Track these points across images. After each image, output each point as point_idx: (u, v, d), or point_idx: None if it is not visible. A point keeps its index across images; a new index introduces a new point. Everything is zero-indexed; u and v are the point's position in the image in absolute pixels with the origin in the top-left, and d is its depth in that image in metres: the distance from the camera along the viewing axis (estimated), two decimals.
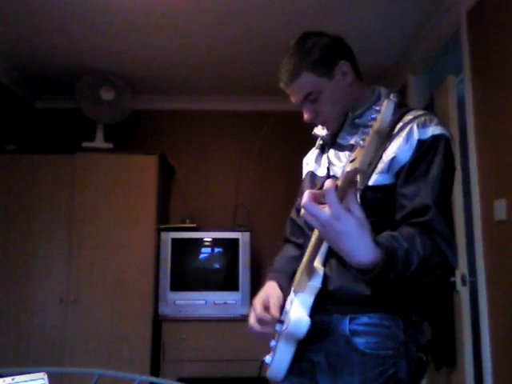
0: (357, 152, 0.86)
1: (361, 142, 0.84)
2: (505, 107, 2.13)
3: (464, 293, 2.45)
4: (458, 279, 2.46)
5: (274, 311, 1.19)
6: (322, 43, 1.23)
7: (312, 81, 1.21)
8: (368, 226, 0.91)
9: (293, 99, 1.27)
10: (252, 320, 1.22)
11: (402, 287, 1.05)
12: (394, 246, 0.95)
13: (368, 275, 0.93)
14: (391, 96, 0.81)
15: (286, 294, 1.25)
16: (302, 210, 0.91)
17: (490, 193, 2.24)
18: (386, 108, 0.81)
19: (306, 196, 0.90)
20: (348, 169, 0.87)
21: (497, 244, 2.20)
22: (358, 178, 0.89)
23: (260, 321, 1.20)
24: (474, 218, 2.37)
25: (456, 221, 2.48)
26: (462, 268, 2.47)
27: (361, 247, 0.90)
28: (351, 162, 0.87)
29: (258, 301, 1.24)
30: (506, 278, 2.12)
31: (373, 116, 0.83)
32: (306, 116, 1.26)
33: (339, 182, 0.89)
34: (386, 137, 1.13)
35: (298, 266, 1.22)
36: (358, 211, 0.89)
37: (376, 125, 0.82)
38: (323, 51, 1.22)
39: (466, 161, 2.45)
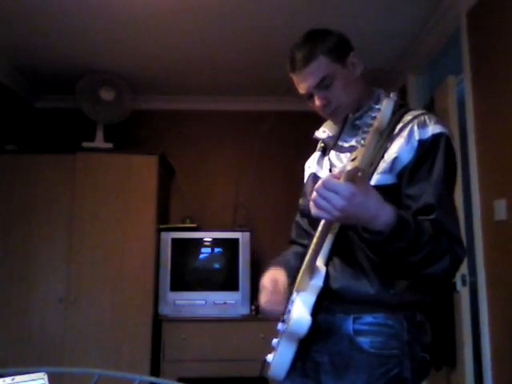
0: (358, 151, 0.89)
1: (362, 141, 0.87)
2: (505, 107, 2.13)
3: (464, 293, 2.45)
4: (458, 279, 2.46)
5: (283, 290, 1.20)
6: (336, 34, 1.27)
7: (328, 65, 1.21)
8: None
9: (304, 86, 1.24)
10: (263, 299, 1.22)
11: (411, 273, 1.07)
12: (406, 217, 1.01)
13: (389, 235, 0.97)
14: (391, 95, 0.84)
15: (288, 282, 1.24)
16: (314, 194, 0.93)
17: (490, 193, 2.24)
18: (385, 106, 0.85)
19: (325, 176, 0.95)
20: (349, 167, 0.89)
21: (497, 244, 2.20)
22: (360, 175, 0.91)
23: (272, 299, 1.20)
24: (473, 218, 2.37)
25: None
26: (462, 268, 2.47)
27: (385, 206, 0.97)
28: (352, 160, 0.89)
29: (267, 281, 1.23)
30: (506, 278, 2.12)
31: (373, 115, 0.86)
32: (317, 103, 1.24)
33: (341, 179, 0.92)
34: (387, 137, 1.14)
35: (301, 264, 1.22)
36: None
37: (376, 123, 0.86)
38: (337, 40, 1.26)
39: (465, 161, 2.45)
